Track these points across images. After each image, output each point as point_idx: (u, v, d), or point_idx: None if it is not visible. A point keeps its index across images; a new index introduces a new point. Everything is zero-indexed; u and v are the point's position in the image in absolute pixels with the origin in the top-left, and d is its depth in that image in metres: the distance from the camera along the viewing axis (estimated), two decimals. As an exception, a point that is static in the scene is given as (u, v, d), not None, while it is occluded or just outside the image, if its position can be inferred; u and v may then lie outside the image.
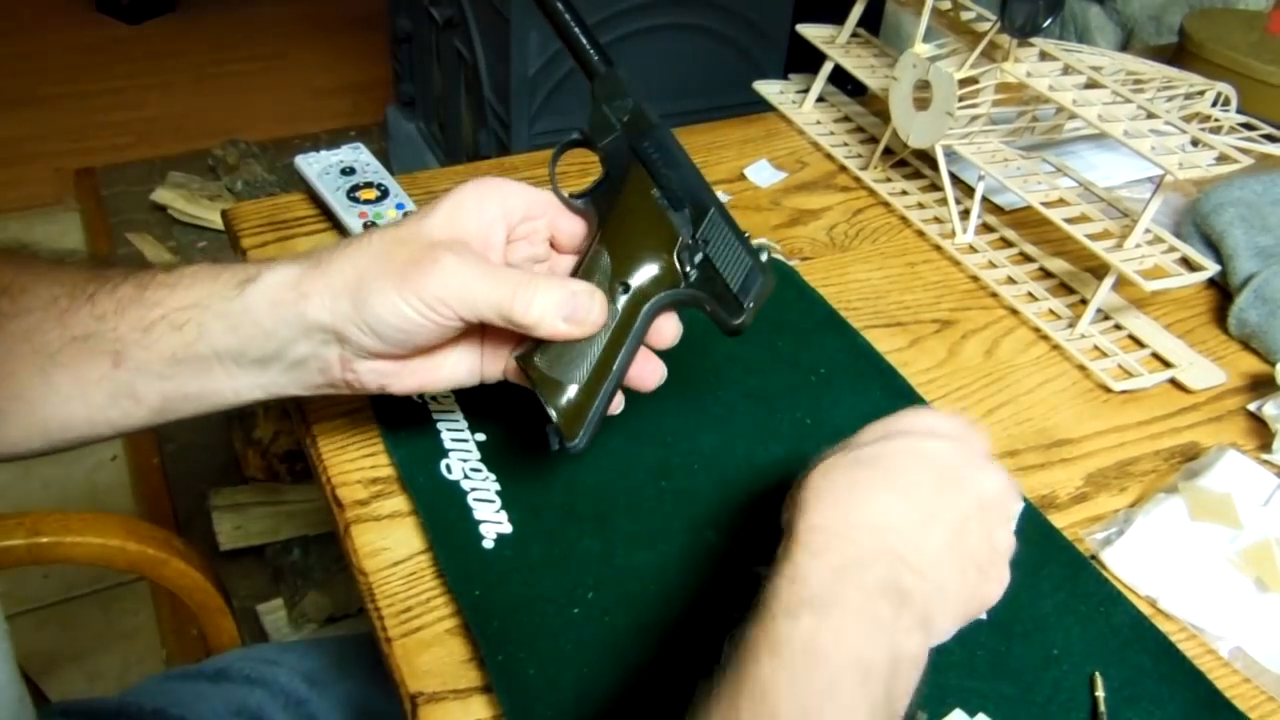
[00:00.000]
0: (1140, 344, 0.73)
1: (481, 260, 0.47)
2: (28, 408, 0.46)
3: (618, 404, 0.51)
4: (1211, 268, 0.71)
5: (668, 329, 0.51)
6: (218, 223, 2.04)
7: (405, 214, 0.72)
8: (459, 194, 0.48)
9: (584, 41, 0.53)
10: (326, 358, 0.47)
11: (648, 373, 0.51)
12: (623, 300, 0.49)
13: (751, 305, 0.51)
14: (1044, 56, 0.78)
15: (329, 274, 0.46)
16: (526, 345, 0.49)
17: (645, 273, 0.49)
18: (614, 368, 0.49)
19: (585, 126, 0.52)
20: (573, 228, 0.52)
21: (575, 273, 0.50)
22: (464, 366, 0.51)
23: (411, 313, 0.45)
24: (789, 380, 0.66)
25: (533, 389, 0.49)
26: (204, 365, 0.46)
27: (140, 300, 0.46)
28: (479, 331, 0.50)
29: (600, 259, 0.49)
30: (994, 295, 0.77)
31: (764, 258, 0.51)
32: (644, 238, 0.50)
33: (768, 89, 1.00)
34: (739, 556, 0.55)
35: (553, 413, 0.48)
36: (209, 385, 0.47)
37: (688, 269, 0.50)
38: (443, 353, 0.50)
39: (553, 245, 0.53)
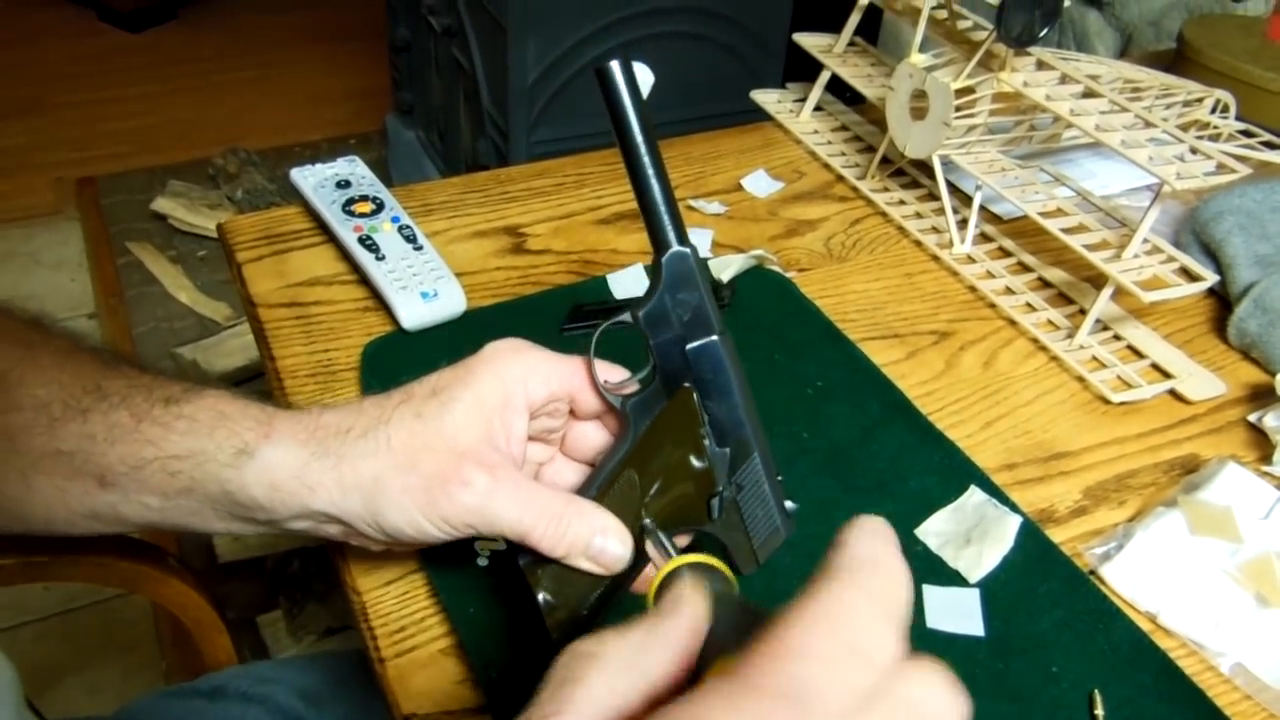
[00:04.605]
0: (1139, 354, 0.73)
1: (512, 479, 0.44)
2: (8, 503, 0.45)
3: None
4: (1210, 277, 0.71)
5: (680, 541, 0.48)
6: (218, 232, 2.04)
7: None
8: (479, 383, 0.45)
9: (663, 212, 0.45)
10: (328, 531, 0.46)
11: (643, 580, 0.47)
12: (643, 530, 0.45)
13: (764, 560, 0.48)
14: (1041, 65, 0.78)
15: (340, 470, 0.43)
16: (535, 554, 0.45)
17: (671, 509, 0.46)
18: (620, 593, 0.46)
19: (639, 309, 0.45)
20: (597, 405, 0.48)
21: (596, 477, 0.46)
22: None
23: (434, 530, 0.43)
24: (785, 393, 0.65)
25: (532, 593, 0.45)
26: (197, 509, 0.45)
27: (135, 433, 0.44)
28: None
29: (628, 482, 0.45)
30: (992, 306, 0.76)
31: (790, 507, 0.49)
32: (680, 475, 0.46)
33: (765, 98, 0.99)
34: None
35: (551, 626, 0.44)
36: (202, 525, 0.46)
37: (714, 514, 0.47)
38: None
39: (571, 411, 0.49)
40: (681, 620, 0.32)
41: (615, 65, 0.43)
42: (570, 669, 0.30)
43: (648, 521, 0.45)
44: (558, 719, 0.28)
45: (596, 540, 0.43)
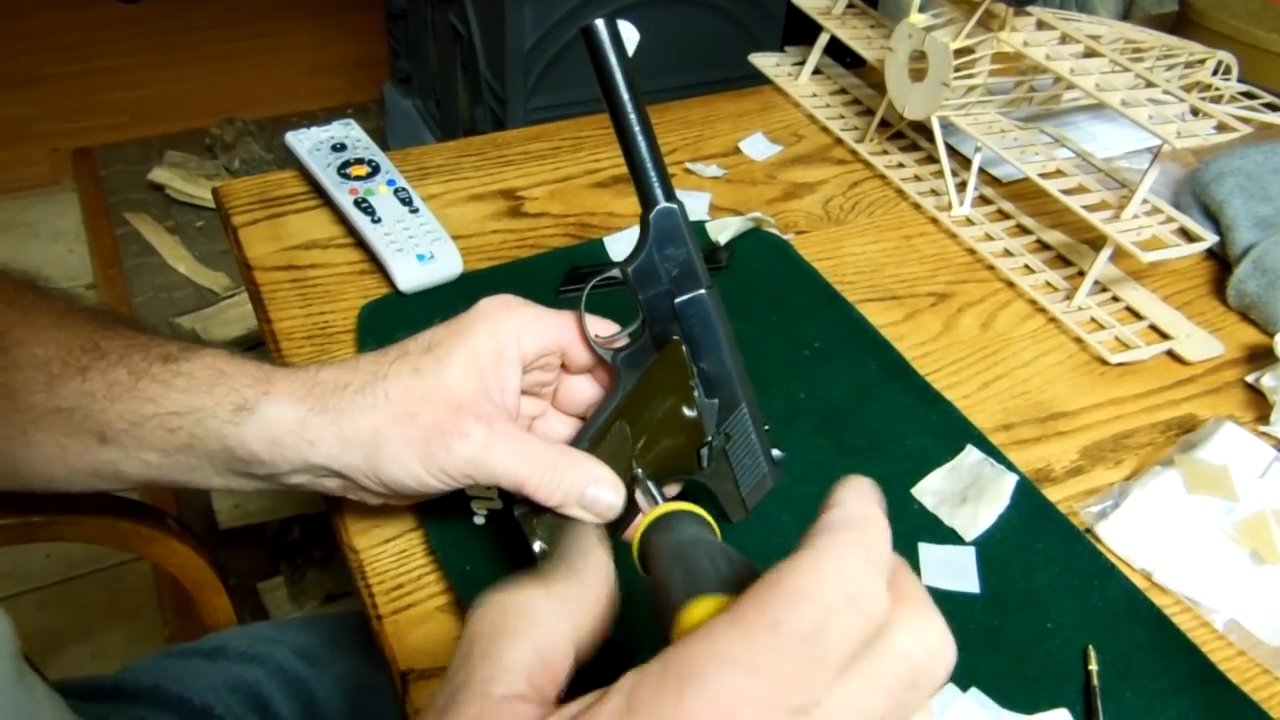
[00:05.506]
0: (1138, 316, 0.73)
1: (508, 431, 0.44)
2: (8, 461, 0.45)
3: None
4: (1210, 238, 0.70)
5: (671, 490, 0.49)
6: (215, 202, 2.03)
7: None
8: (474, 338, 0.45)
9: (650, 170, 0.45)
10: (327, 485, 0.46)
11: (633, 529, 0.48)
12: (634, 480, 0.46)
13: (751, 507, 0.50)
14: (1041, 25, 0.77)
15: (339, 424, 0.44)
16: (530, 504, 0.45)
17: (661, 459, 0.46)
18: (612, 541, 0.45)
19: (628, 264, 0.46)
20: (588, 359, 0.49)
21: (589, 429, 0.47)
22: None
23: (434, 481, 0.44)
24: (783, 355, 0.65)
25: (527, 543, 0.46)
26: (196, 465, 0.45)
27: (133, 391, 0.44)
28: None
29: (620, 433, 0.46)
30: (990, 268, 0.76)
31: (777, 455, 0.49)
32: (670, 426, 0.46)
33: (763, 61, 0.99)
34: (732, 531, 0.54)
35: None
36: (201, 480, 0.46)
37: (704, 463, 0.47)
38: None
39: (563, 365, 0.50)
40: (593, 571, 0.32)
41: (600, 24, 0.43)
42: (498, 624, 0.30)
43: (639, 471, 0.45)
44: (497, 682, 0.28)
45: (590, 489, 0.44)
